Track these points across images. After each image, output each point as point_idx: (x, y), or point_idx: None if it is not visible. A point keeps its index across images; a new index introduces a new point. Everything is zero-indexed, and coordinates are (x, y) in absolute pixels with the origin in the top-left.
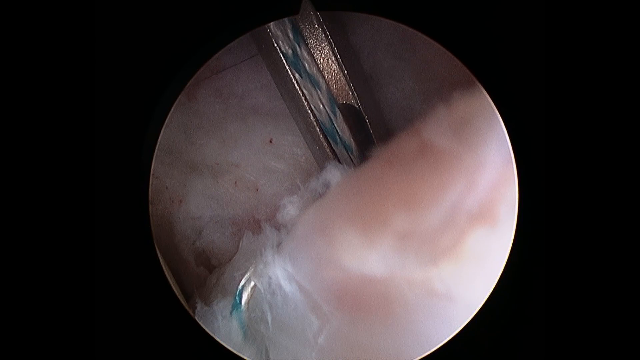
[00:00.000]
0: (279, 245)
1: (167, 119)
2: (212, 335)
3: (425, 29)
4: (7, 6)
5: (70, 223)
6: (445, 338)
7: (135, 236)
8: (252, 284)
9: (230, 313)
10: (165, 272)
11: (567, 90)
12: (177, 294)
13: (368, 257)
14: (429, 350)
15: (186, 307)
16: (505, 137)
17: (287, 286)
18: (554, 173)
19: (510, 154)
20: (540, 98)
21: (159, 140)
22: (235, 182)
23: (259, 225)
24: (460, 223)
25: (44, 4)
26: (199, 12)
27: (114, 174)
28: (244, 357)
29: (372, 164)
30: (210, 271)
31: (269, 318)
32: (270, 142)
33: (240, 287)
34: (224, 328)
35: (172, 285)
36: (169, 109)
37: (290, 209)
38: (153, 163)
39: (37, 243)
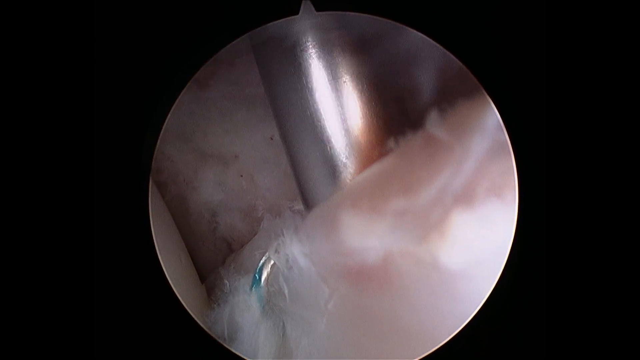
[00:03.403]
0: (296, 227)
1: (167, 119)
2: (211, 334)
3: (427, 29)
4: (7, 6)
5: (70, 223)
6: (440, 326)
7: (135, 236)
8: (272, 262)
9: (250, 289)
10: (163, 264)
11: (567, 88)
12: (179, 291)
13: (370, 235)
14: (421, 315)
15: (184, 305)
16: (488, 129)
17: (303, 261)
18: (554, 172)
19: (490, 144)
20: (539, 96)
21: (160, 135)
22: (241, 173)
23: (278, 209)
24: (446, 203)
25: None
26: (199, 12)
27: (114, 174)
28: (244, 357)
29: (387, 158)
30: (228, 250)
31: (286, 291)
32: (271, 139)
33: (260, 265)
34: (244, 303)
35: (172, 285)
36: (169, 110)
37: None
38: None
39: (36, 243)
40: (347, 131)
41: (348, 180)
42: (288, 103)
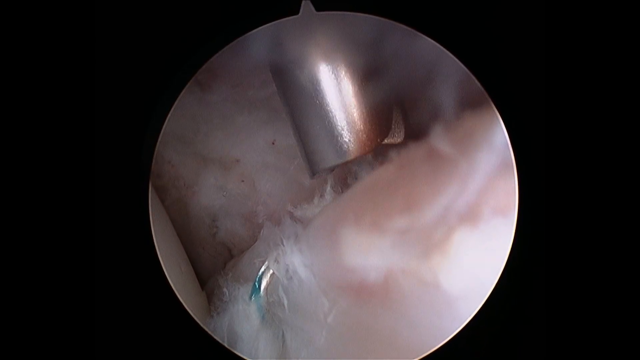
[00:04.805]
0: (296, 237)
1: (167, 121)
2: (212, 335)
3: (428, 30)
4: (7, 6)
5: (70, 226)
6: (435, 327)
7: (135, 239)
8: (271, 271)
9: (250, 298)
10: (165, 268)
11: (569, 96)
12: (181, 294)
13: (371, 253)
14: (420, 332)
15: (186, 308)
16: (496, 145)
17: (303, 272)
18: (554, 174)
19: (498, 161)
20: (540, 105)
21: (160, 137)
22: (242, 178)
23: (278, 217)
24: (450, 221)
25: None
26: (198, 12)
27: (114, 174)
28: (244, 357)
29: (387, 167)
30: (228, 255)
31: (285, 302)
32: (273, 143)
33: (260, 273)
34: (243, 312)
35: (172, 286)
36: (168, 112)
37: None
38: (167, 150)
39: (36, 243)
40: (349, 118)
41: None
42: (296, 94)
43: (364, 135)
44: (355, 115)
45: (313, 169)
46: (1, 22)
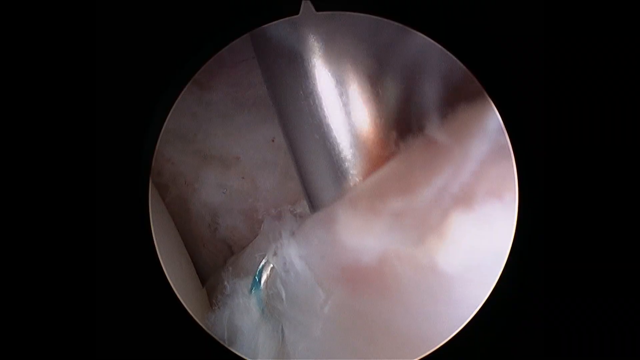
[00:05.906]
0: (294, 230)
1: (167, 120)
2: (212, 335)
3: (429, 31)
4: (7, 6)
5: (70, 225)
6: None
7: (135, 238)
8: (271, 265)
9: (250, 291)
10: (164, 265)
11: (568, 92)
12: (180, 292)
13: (367, 235)
14: (417, 319)
15: (186, 307)
16: (489, 131)
17: (299, 264)
18: (553, 171)
19: (491, 147)
20: (541, 99)
21: (160, 136)
22: (242, 175)
23: (278, 212)
24: (445, 205)
25: None
26: (199, 12)
27: (115, 171)
28: (244, 357)
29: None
30: (228, 252)
31: (283, 294)
32: (272, 141)
33: (260, 267)
34: (243, 305)
35: (171, 283)
36: (168, 111)
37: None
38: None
39: (36, 243)
40: (352, 135)
41: (353, 185)
42: (294, 108)
43: (372, 154)
44: (361, 135)
45: (314, 205)
46: (4, 21)
